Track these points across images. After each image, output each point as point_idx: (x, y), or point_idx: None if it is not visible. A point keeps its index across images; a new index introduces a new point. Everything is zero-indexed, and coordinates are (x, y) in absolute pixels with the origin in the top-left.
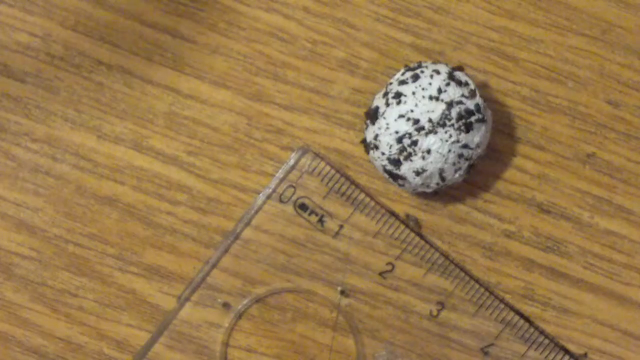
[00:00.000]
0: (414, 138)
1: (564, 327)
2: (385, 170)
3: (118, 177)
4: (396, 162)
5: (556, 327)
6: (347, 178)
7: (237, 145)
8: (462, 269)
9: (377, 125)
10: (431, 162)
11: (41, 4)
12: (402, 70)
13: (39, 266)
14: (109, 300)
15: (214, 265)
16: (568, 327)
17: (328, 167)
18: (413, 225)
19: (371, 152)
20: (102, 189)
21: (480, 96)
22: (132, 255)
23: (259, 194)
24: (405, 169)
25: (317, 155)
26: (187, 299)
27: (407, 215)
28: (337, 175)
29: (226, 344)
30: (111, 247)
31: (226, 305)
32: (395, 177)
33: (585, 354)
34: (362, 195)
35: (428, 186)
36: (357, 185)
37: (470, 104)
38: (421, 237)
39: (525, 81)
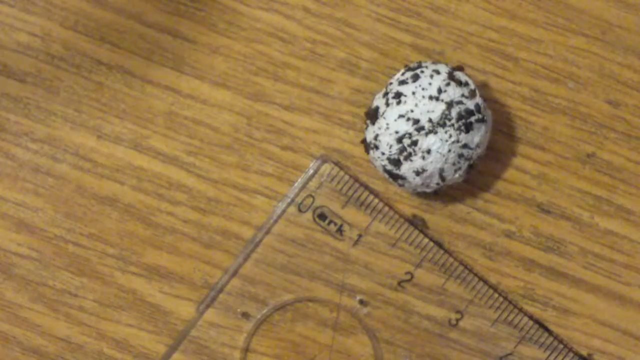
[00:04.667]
0: (414, 138)
1: (564, 327)
2: (385, 170)
3: (118, 177)
4: (396, 162)
5: (556, 327)
6: (366, 187)
7: (237, 145)
8: (480, 278)
9: (377, 125)
10: (431, 162)
11: (41, 4)
12: (402, 70)
13: (39, 266)
14: (109, 300)
15: (233, 274)
16: (568, 327)
17: (347, 177)
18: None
19: (371, 152)
20: (102, 189)
21: (480, 96)
22: (132, 255)
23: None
24: (405, 169)
25: (336, 164)
26: (208, 307)
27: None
28: (356, 185)
29: (245, 350)
30: (111, 247)
31: (245, 315)
32: (395, 177)
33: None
34: (381, 205)
35: (428, 186)
36: (375, 195)
37: (470, 104)
38: (440, 246)
39: (525, 81)
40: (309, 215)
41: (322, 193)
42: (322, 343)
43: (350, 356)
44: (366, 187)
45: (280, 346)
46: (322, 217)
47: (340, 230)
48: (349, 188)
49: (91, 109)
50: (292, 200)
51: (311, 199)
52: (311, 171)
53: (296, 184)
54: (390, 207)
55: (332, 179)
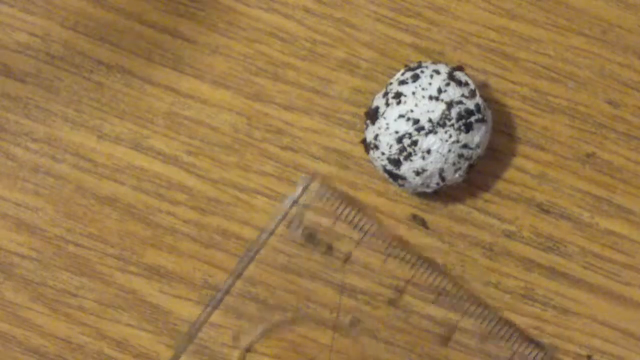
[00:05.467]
0: (414, 138)
1: (564, 327)
2: (385, 170)
3: (118, 177)
4: (396, 162)
5: (556, 327)
6: (355, 205)
7: (237, 145)
8: (471, 295)
9: (377, 125)
10: (431, 162)
11: (41, 4)
12: (402, 70)
13: (39, 266)
14: (109, 300)
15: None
16: (568, 327)
17: (335, 195)
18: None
19: (371, 152)
20: (102, 189)
21: (480, 96)
22: (132, 255)
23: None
24: (405, 169)
25: (323, 183)
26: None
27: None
28: (345, 203)
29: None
30: (111, 247)
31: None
32: (395, 177)
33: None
34: (369, 223)
35: (428, 186)
36: (364, 213)
37: (470, 104)
38: (430, 264)
39: (525, 81)
40: (298, 234)
41: (310, 212)
42: (322, 343)
43: (350, 356)
44: (355, 205)
45: (280, 346)
46: (311, 236)
47: (330, 248)
48: (338, 206)
49: (91, 109)
50: (281, 220)
51: (300, 219)
52: (299, 190)
53: (285, 204)
54: (380, 225)
55: (321, 198)
